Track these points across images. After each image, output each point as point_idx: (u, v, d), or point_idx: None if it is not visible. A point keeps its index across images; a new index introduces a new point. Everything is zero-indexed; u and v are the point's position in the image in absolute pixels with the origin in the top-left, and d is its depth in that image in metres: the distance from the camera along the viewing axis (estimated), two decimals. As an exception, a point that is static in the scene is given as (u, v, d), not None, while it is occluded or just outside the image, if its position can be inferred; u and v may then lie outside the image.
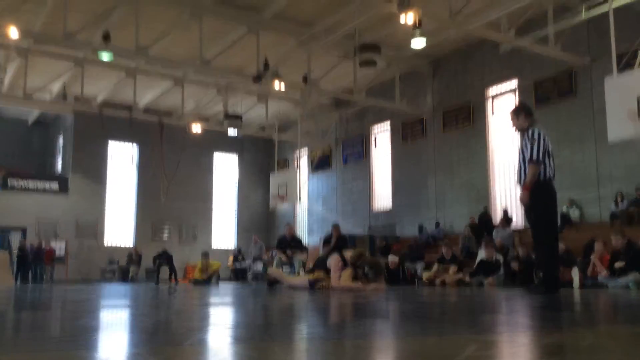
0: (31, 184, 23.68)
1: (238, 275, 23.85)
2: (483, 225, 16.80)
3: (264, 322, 3.00)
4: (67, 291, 8.75)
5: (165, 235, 25.49)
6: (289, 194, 19.76)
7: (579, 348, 1.82)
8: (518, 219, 15.70)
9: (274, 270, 9.77)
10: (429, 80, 20.03)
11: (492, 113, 18.15)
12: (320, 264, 8.73)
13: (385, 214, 21.63)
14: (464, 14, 13.81)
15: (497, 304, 4.68)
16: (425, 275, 13.29)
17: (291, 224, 13.33)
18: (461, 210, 18.47)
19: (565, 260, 10.35)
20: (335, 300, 5.31)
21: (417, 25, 13.25)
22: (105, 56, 16.48)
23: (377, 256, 16.37)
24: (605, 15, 11.59)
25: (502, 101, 17.81)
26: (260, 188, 27.65)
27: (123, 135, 23.29)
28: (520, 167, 6.31)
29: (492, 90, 18.13)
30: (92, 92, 21.00)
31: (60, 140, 26.37)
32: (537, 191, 6.09)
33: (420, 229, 18.78)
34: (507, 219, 15.76)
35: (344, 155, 23.67)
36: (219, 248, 26.38)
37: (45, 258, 20.90)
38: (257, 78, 16.72)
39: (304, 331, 2.43)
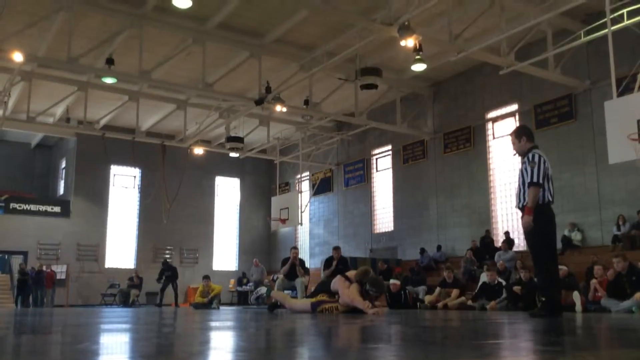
0: (33, 207, 23.68)
1: (241, 298, 23.80)
2: (485, 248, 16.75)
3: (265, 346, 2.98)
4: (67, 315, 8.70)
5: (167, 258, 25.41)
6: (290, 216, 19.74)
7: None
8: (520, 242, 15.66)
9: (276, 293, 9.72)
10: (429, 103, 20.14)
11: (493, 136, 18.21)
12: (323, 287, 8.72)
13: (387, 236, 21.58)
14: (463, 38, 13.94)
15: (500, 328, 4.65)
16: (427, 299, 13.21)
17: (297, 249, 13.31)
18: (463, 233, 18.43)
19: (567, 283, 10.30)
20: (337, 324, 5.28)
21: (418, 49, 13.37)
22: (109, 80, 16.66)
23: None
24: (604, 38, 11.68)
25: (502, 124, 17.88)
26: (262, 211, 27.64)
27: (125, 158, 23.37)
28: (520, 190, 6.32)
29: (493, 114, 18.22)
30: (95, 115, 21.13)
31: (63, 164, 26.46)
32: (536, 215, 6.09)
33: (422, 252, 18.72)
34: (509, 242, 15.72)
35: (346, 178, 23.70)
36: (220, 270, 26.28)
37: (46, 281, 20.82)
38: (259, 101, 16.82)
39: (305, 355, 2.42)
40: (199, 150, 22.35)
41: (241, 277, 24.61)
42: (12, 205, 23.25)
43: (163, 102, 20.91)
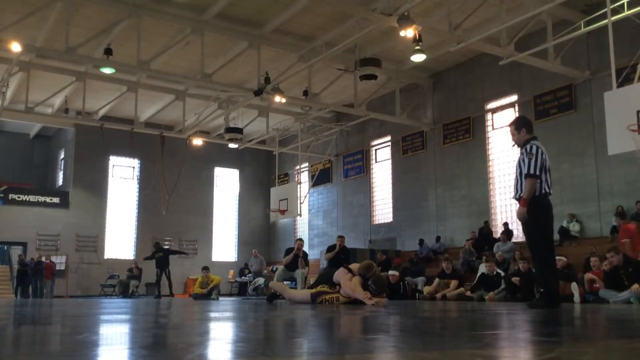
0: (32, 198, 23.67)
1: (242, 289, 23.86)
2: (484, 239, 16.78)
3: (264, 337, 2.99)
4: (66, 305, 8.72)
5: (166, 248, 25.44)
6: (289, 208, 19.75)
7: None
8: (519, 233, 15.68)
9: (275, 284, 9.72)
10: (429, 94, 20.10)
11: (492, 127, 18.19)
12: (324, 278, 8.73)
13: (386, 227, 21.61)
14: (463, 28, 13.89)
15: (498, 318, 4.66)
16: (426, 290, 13.25)
17: (302, 240, 13.36)
18: (462, 224, 18.46)
19: (565, 274, 10.32)
20: (336, 314, 5.30)
21: (417, 39, 13.33)
22: (107, 70, 16.60)
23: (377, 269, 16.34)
24: (604, 29, 11.65)
25: (501, 115, 17.86)
26: (261, 202, 27.66)
27: (124, 149, 23.34)
28: (517, 181, 6.30)
29: (492, 104, 18.19)
30: (94, 106, 21.08)
31: (62, 154, 26.43)
32: (533, 206, 6.08)
33: (421, 243, 18.76)
34: (508, 233, 15.75)
35: (345, 169, 23.69)
36: (219, 260, 26.33)
37: (46, 272, 20.85)
38: (258, 92, 16.79)
39: (304, 346, 2.43)
40: (198, 141, 22.32)
41: (243, 268, 24.65)
42: (11, 196, 23.24)
43: (162, 92, 20.85)
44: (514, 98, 17.43)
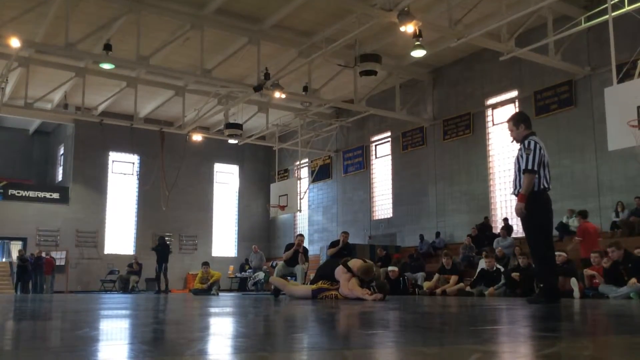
0: (32, 193, 23.68)
1: (242, 284, 23.89)
2: (483, 234, 16.79)
3: (264, 332, 2.99)
4: (66, 301, 8.73)
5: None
6: (289, 203, 19.76)
7: (579, 358, 1.82)
8: (519, 228, 15.68)
9: (275, 279, 9.70)
10: (429, 90, 20.08)
11: (492, 122, 18.18)
12: (324, 271, 8.72)
13: (386, 223, 21.62)
14: (463, 24, 13.86)
15: (498, 314, 4.66)
16: (426, 285, 13.27)
17: (303, 236, 13.37)
18: (461, 219, 18.47)
19: (565, 270, 10.34)
20: (336, 310, 5.30)
21: (417, 35, 13.31)
22: (107, 66, 16.58)
23: (377, 266, 16.36)
24: (605, 24, 11.64)
25: (502, 111, 17.84)
26: (261, 198, 27.67)
27: (124, 144, 23.33)
28: (516, 177, 6.29)
29: (492, 100, 18.17)
30: (93, 101, 21.05)
31: (61, 150, 26.41)
32: (531, 201, 6.07)
33: (421, 238, 18.77)
34: (507, 228, 15.75)
35: (345, 165, 23.69)
36: (219, 256, 26.35)
37: (46, 268, 20.87)
38: (258, 87, 16.76)
39: (304, 341, 2.43)
40: (197, 137, 22.31)
41: (243, 264, 24.69)
42: (10, 191, 23.24)
43: (161, 88, 20.83)
44: (514, 94, 17.41)
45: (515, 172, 6.30)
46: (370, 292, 7.68)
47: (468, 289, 12.23)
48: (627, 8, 11.83)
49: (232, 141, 23.03)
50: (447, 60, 19.02)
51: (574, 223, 15.14)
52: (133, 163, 25.77)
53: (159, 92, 21.31)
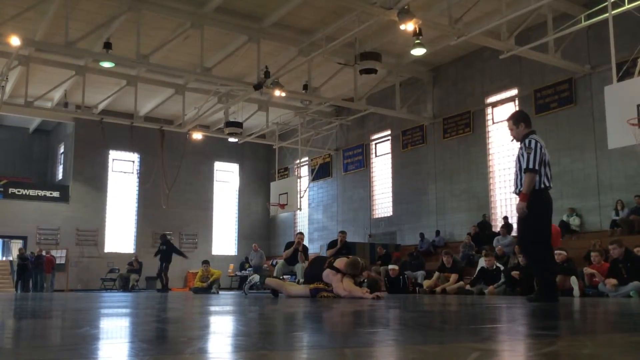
0: (32, 192, 23.69)
1: (242, 283, 23.89)
2: (483, 233, 16.80)
3: (264, 330, 2.99)
4: (67, 299, 8.74)
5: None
6: (289, 202, 19.76)
7: (579, 357, 1.82)
8: (519, 226, 15.69)
9: (271, 280, 9.65)
10: (429, 88, 20.07)
11: (492, 121, 18.18)
12: (316, 270, 8.61)
13: (386, 221, 21.63)
14: (463, 22, 13.85)
15: (498, 312, 4.67)
16: (426, 284, 13.27)
17: (303, 234, 13.38)
18: (461, 218, 18.47)
19: (565, 268, 10.34)
20: (335, 309, 5.30)
21: (417, 33, 13.30)
22: (107, 64, 16.57)
23: (377, 265, 16.37)
24: (605, 23, 11.63)
25: (502, 109, 17.84)
26: (261, 196, 27.67)
27: (124, 143, 23.33)
28: (516, 176, 6.27)
29: (492, 98, 18.17)
30: (93, 100, 21.05)
31: (61, 148, 26.42)
32: (532, 200, 6.05)
33: (422, 237, 18.78)
34: (507, 227, 15.76)
35: (345, 164, 23.69)
36: (219, 254, 26.36)
37: (46, 266, 20.88)
38: (258, 86, 16.76)
39: (304, 339, 2.43)
40: (197, 135, 22.31)
41: (243, 262, 24.70)
42: (10, 190, 23.26)
43: (161, 86, 20.83)
44: (514, 92, 17.41)
45: (516, 171, 6.28)
46: (368, 290, 7.66)
47: (468, 287, 12.23)
48: (627, 6, 11.82)
49: (232, 139, 23.03)
50: (447, 59, 19.02)
51: (574, 221, 15.16)
52: (133, 161, 25.78)
53: (159, 90, 21.31)
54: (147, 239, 25.04)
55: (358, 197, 23.03)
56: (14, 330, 3.09)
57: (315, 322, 3.68)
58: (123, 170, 25.64)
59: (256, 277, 9.90)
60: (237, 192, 28.27)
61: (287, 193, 19.95)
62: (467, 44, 15.54)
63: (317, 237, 24.28)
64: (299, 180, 21.47)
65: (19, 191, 23.42)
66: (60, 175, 26.29)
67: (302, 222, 26.20)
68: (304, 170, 25.73)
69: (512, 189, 6.47)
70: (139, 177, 25.52)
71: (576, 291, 9.89)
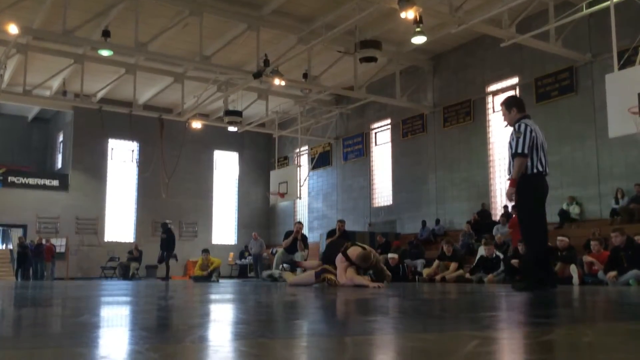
0: (31, 180, 23.67)
1: (241, 271, 24.00)
2: (483, 221, 16.81)
3: (265, 318, 3.00)
4: (67, 287, 8.76)
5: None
6: (289, 190, 19.76)
7: (579, 345, 1.82)
8: (518, 215, 15.69)
9: (290, 278, 9.49)
10: (429, 76, 20.00)
11: (493, 109, 18.13)
12: (328, 258, 8.63)
13: (386, 210, 21.64)
14: (464, 10, 13.78)
15: (497, 301, 4.68)
16: (426, 272, 13.31)
17: (301, 224, 13.41)
18: (461, 206, 18.48)
19: (565, 256, 10.37)
20: (336, 297, 5.32)
21: (418, 21, 13.23)
22: (105, 53, 16.50)
23: (376, 252, 16.39)
24: (606, 11, 11.56)
25: (502, 97, 17.72)
26: (261, 185, 27.66)
27: (123, 131, 23.26)
28: (509, 162, 6.22)
29: (493, 87, 18.11)
30: (92, 88, 20.97)
31: (60, 137, 26.38)
32: (522, 185, 5.96)
33: (423, 225, 18.80)
34: (507, 215, 15.77)
35: (345, 152, 23.66)
36: (219, 243, 26.40)
37: (46, 255, 20.93)
38: (257, 74, 16.70)
39: (304, 327, 2.44)
40: (197, 124, 22.25)
41: (242, 251, 24.77)
42: (10, 178, 23.24)
43: (160, 75, 20.74)
44: (515, 80, 17.35)
45: (509, 157, 6.22)
46: (369, 278, 7.69)
47: (467, 275, 12.27)
48: (628, -6, 11.74)
49: (231, 128, 22.98)
50: (447, 47, 18.93)
51: (574, 210, 15.17)
52: (132, 150, 25.74)
53: (158, 78, 21.23)
54: (146, 228, 25.07)
55: (358, 186, 23.03)
56: (14, 319, 3.09)
57: (315, 310, 3.69)
58: (122, 159, 25.62)
59: (276, 273, 10.18)
60: (237, 181, 28.26)
61: (286, 182, 19.94)
62: (467, 32, 15.47)
63: (317, 226, 24.30)
64: (298, 169, 21.45)
65: (18, 180, 23.41)
66: (59, 164, 26.27)
67: (302, 211, 26.22)
68: (304, 159, 25.71)
69: (507, 175, 6.43)
70: (138, 166, 25.50)
71: (575, 279, 9.92)
